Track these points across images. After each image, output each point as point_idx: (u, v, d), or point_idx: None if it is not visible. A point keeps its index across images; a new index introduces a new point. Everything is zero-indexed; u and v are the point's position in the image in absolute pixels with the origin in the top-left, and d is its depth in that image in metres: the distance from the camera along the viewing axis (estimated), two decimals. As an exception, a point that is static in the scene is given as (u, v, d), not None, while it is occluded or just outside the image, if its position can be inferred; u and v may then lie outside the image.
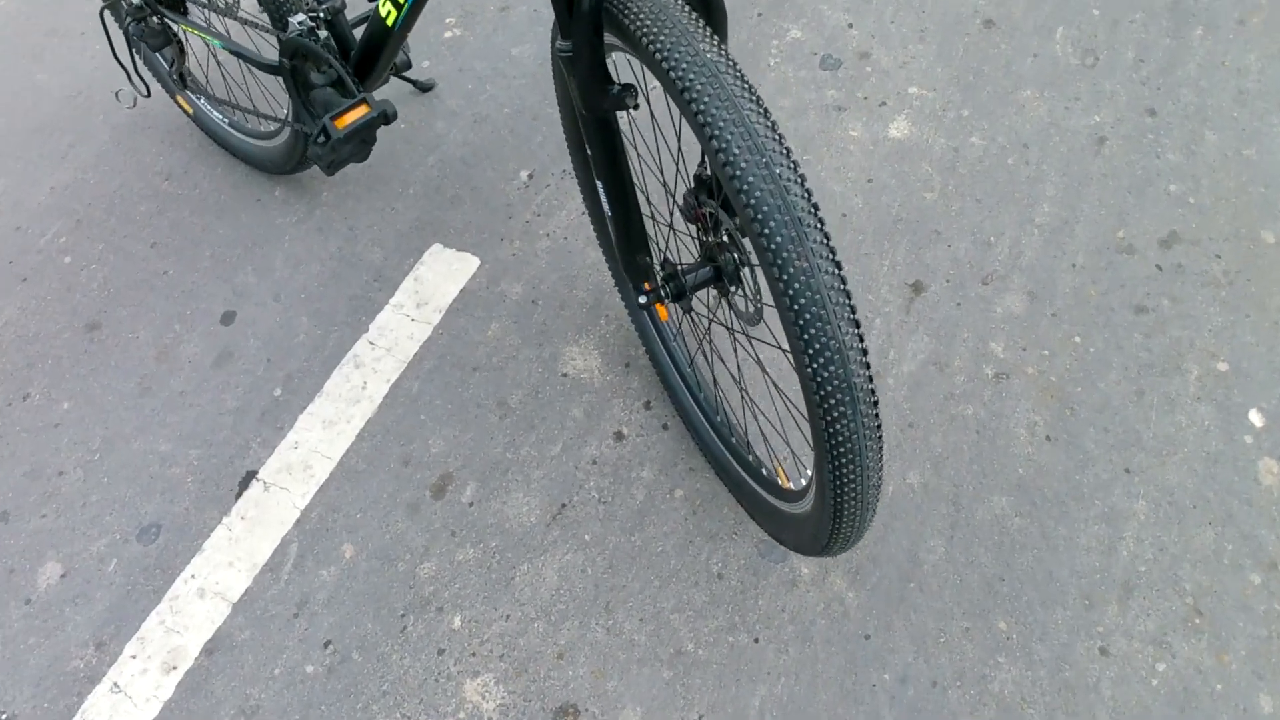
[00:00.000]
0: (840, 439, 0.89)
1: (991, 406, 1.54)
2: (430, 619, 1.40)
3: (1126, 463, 1.49)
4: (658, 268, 1.20)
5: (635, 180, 1.11)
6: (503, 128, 1.94)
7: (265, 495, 1.51)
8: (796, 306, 0.83)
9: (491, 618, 1.40)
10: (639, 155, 1.25)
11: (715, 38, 0.87)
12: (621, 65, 1.96)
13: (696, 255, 1.25)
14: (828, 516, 1.03)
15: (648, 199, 1.22)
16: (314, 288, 1.73)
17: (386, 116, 1.23)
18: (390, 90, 2.01)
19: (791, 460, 1.49)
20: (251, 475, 1.54)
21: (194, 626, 1.41)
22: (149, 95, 1.66)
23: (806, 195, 0.82)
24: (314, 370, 1.63)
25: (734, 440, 1.40)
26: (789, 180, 0.82)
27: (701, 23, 0.89)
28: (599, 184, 1.09)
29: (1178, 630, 1.35)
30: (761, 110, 0.84)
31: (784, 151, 0.83)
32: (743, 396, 1.43)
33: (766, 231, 0.81)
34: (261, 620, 1.41)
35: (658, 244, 1.15)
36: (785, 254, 0.81)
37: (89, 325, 1.74)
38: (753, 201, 0.81)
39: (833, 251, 0.83)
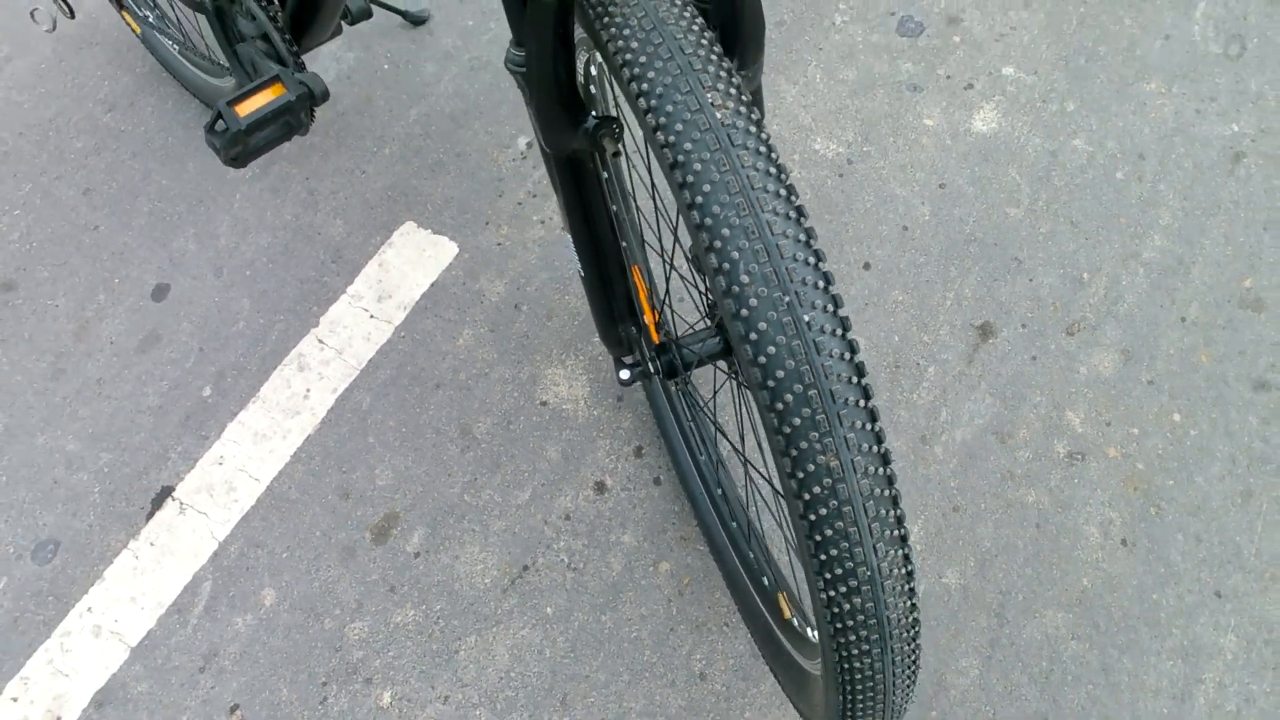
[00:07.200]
0: (858, 678, 0.62)
1: (1059, 494, 1.25)
2: (355, 691, 1.18)
3: (1219, 584, 1.20)
4: (653, 335, 0.91)
5: (625, 233, 0.82)
6: (503, 78, 1.62)
7: (180, 519, 1.29)
8: (812, 516, 0.55)
9: (427, 698, 1.18)
10: (632, 190, 0.93)
11: (734, 81, 0.57)
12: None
13: (703, 312, 0.96)
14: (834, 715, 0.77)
15: (639, 246, 0.92)
16: (261, 264, 1.46)
17: (312, 97, 0.93)
18: (376, 22, 1.69)
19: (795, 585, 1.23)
20: (167, 492, 1.31)
21: (85, 671, 1.20)
22: (73, 17, 1.37)
23: (847, 355, 0.53)
24: (250, 368, 1.38)
25: (734, 525, 1.13)
26: (821, 334, 0.53)
27: (716, 52, 0.58)
28: (568, 235, 0.79)
29: (1258, 811, 1.09)
30: (790, 211, 0.54)
31: (819, 284, 0.53)
32: (747, 483, 1.15)
33: (779, 407, 0.53)
34: (162, 672, 1.20)
35: (655, 304, 0.88)
36: (803, 444, 0.53)
37: (4, 285, 1.49)
38: (761, 360, 0.53)
39: (878, 439, 0.55)
